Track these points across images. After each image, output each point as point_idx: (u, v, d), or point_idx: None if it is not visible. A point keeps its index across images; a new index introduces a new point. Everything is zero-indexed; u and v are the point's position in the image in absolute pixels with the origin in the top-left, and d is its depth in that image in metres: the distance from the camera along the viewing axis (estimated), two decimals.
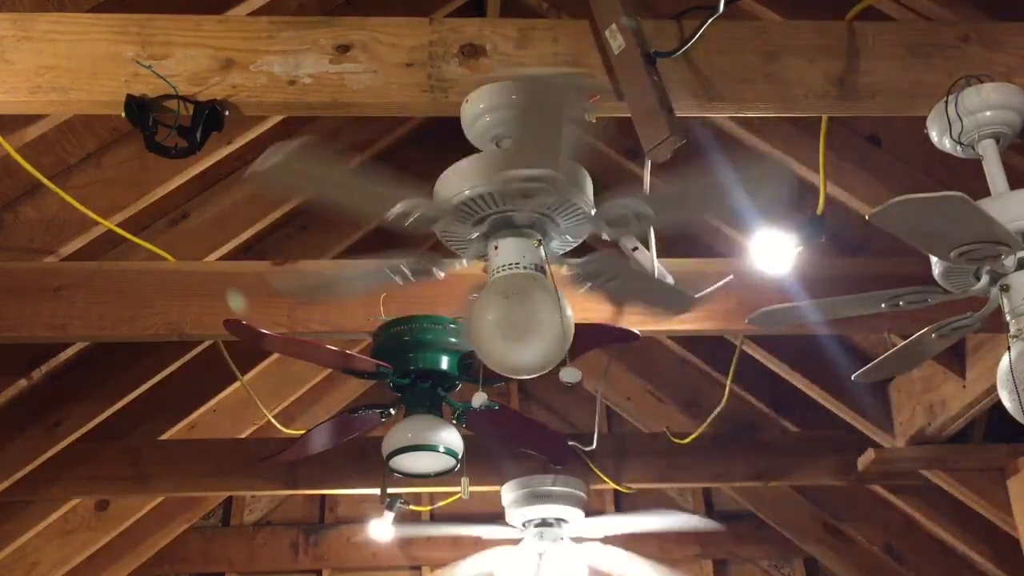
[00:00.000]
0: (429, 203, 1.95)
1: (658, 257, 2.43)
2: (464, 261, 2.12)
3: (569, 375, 1.90)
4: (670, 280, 2.43)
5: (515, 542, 4.32)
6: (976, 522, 4.04)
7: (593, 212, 1.98)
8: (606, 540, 4.43)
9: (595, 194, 1.99)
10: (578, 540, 4.30)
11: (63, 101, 2.12)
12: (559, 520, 4.20)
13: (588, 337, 2.46)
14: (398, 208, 1.93)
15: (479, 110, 2.06)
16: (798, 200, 3.21)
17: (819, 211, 2.68)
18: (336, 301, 2.88)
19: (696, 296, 2.43)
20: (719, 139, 3.34)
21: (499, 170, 1.89)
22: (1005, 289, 2.01)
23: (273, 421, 4.10)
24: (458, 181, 1.94)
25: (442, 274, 2.15)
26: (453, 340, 2.76)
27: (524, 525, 4.22)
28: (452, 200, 1.94)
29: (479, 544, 4.54)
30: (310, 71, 2.14)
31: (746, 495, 5.24)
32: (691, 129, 2.76)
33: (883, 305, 2.18)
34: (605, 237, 2.10)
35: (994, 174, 2.10)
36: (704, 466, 4.37)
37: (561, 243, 2.07)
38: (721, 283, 2.65)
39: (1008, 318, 2.02)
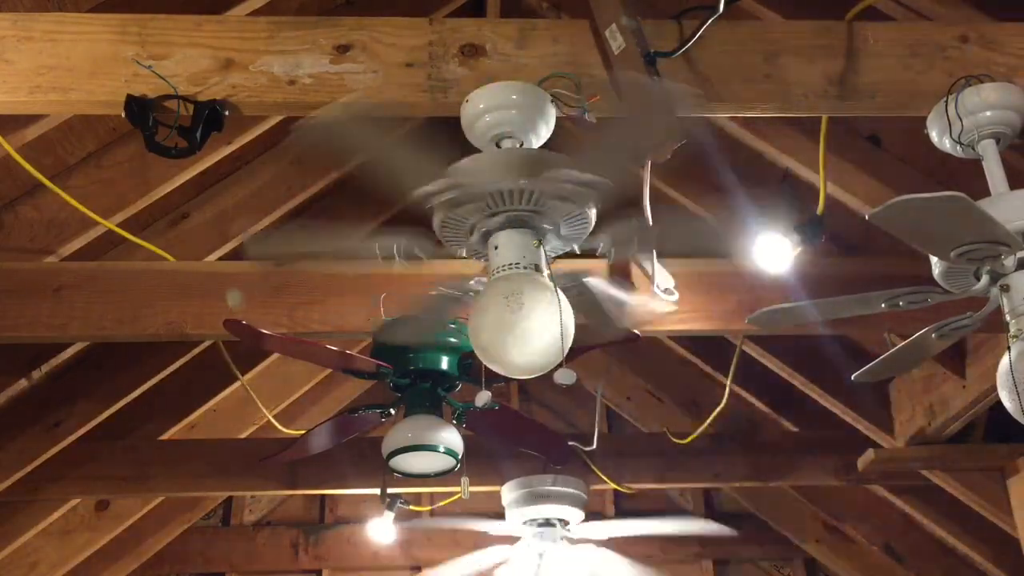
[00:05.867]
0: (461, 187, 1.92)
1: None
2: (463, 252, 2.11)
3: (563, 376, 1.88)
4: (671, 282, 2.42)
5: (514, 540, 4.32)
6: (976, 522, 4.03)
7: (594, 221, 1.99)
8: (607, 541, 4.42)
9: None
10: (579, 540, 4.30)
11: (63, 101, 2.11)
12: (559, 520, 4.20)
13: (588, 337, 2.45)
14: (430, 186, 1.91)
15: (479, 110, 2.06)
16: (798, 200, 3.21)
17: (819, 211, 2.68)
18: (333, 297, 2.88)
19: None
20: (719, 139, 3.35)
21: (557, 169, 1.88)
22: (1005, 289, 2.01)
23: (273, 421, 4.10)
24: (502, 171, 1.92)
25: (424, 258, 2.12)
26: (453, 340, 2.76)
27: (524, 525, 4.22)
28: (489, 188, 1.91)
29: (479, 544, 4.54)
30: (310, 71, 2.14)
31: (746, 495, 5.24)
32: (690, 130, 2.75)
33: (883, 305, 2.18)
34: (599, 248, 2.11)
35: (994, 174, 2.10)
36: (704, 466, 4.36)
37: (558, 245, 2.07)
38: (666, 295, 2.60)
39: (1008, 318, 2.02)
